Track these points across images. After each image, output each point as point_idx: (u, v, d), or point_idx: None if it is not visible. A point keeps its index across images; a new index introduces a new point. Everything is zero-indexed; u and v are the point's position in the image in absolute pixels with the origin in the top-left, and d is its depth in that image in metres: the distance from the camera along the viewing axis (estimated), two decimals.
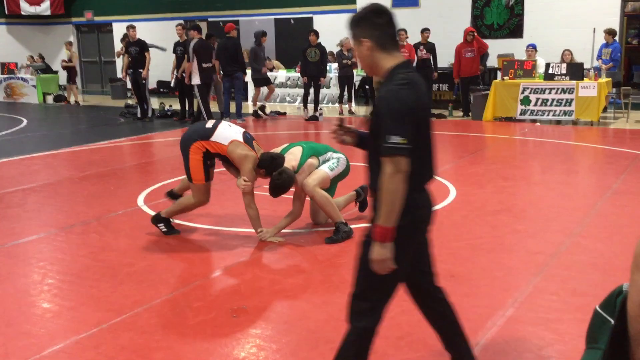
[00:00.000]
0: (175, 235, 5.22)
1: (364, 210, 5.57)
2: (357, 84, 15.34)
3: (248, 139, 4.99)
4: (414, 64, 13.07)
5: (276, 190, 4.91)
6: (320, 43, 12.93)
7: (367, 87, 14.84)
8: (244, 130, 5.12)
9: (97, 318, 3.63)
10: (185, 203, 5.22)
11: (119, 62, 18.20)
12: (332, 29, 16.21)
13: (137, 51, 12.98)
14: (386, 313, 2.61)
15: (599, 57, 12.35)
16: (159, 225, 5.26)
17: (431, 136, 2.58)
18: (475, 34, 12.56)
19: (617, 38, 12.37)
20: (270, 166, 4.89)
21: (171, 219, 5.30)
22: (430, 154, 2.59)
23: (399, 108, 2.31)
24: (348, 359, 2.60)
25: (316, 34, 12.96)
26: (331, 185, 5.25)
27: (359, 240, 2.58)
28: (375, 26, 2.45)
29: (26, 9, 21.41)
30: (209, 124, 5.06)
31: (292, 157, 5.06)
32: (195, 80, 11.96)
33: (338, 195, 5.42)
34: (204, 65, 11.92)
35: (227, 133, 4.94)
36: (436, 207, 5.77)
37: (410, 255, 2.56)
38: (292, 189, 5.03)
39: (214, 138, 4.90)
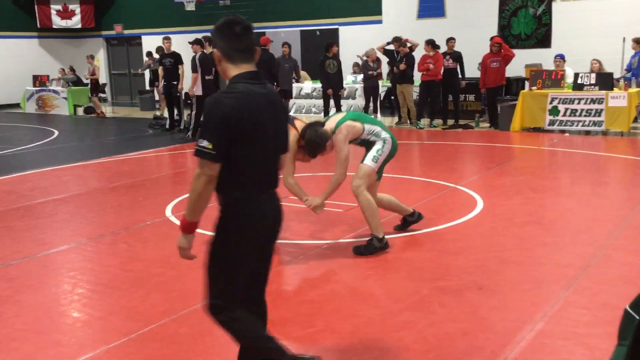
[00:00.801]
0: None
1: (402, 229, 5.48)
2: (382, 94, 15.33)
3: (290, 121, 5.02)
4: (441, 73, 13.02)
5: (310, 145, 4.68)
6: (337, 54, 12.93)
7: (392, 97, 14.82)
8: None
9: (126, 328, 3.68)
10: None
11: (147, 75, 18.47)
12: (357, 41, 16.26)
13: (172, 63, 13.06)
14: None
15: (629, 67, 12.16)
16: None
17: (271, 146, 2.61)
18: (502, 44, 12.45)
19: None
20: (315, 142, 4.72)
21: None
22: (266, 164, 2.61)
23: (212, 116, 2.44)
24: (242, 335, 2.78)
25: (337, 45, 12.99)
26: (379, 169, 5.07)
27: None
28: (222, 37, 2.55)
29: (57, 22, 21.86)
30: None
31: (331, 121, 4.92)
32: (198, 91, 12.13)
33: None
34: (206, 77, 12.12)
35: None
36: (463, 219, 5.78)
37: (244, 260, 2.71)
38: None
39: None
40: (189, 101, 12.80)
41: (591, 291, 4.06)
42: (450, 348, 3.31)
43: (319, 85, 15.70)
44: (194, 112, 12.33)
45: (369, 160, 4.95)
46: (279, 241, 5.21)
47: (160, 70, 13.40)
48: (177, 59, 13.15)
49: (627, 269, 4.46)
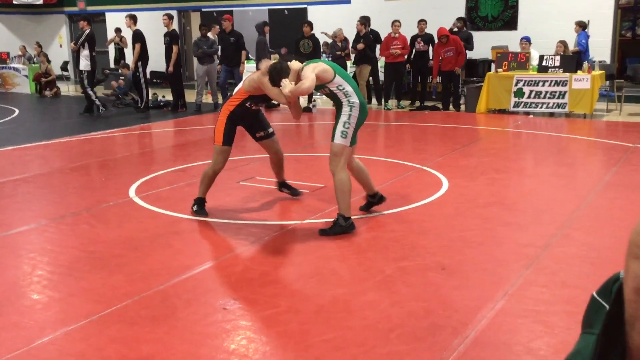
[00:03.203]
0: (203, 216, 5.42)
1: (365, 210, 5.47)
2: (351, 74, 15.29)
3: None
4: (411, 57, 13.04)
5: (271, 74, 4.88)
6: (313, 34, 12.84)
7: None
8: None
9: (86, 310, 3.62)
10: (204, 173, 5.48)
11: (112, 52, 18.09)
12: (326, 20, 16.15)
13: (169, 42, 12.78)
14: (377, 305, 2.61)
15: (584, 47, 12.46)
16: (193, 206, 5.51)
17: None
18: (449, 35, 12.40)
19: (608, 31, 12.47)
20: (277, 70, 4.90)
21: (205, 199, 5.53)
22: None
23: None
24: None
25: (310, 25, 12.87)
26: (352, 137, 4.99)
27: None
28: None
29: None
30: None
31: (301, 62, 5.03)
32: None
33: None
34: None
35: (241, 84, 5.39)
36: (428, 199, 5.83)
37: None
38: None
39: (235, 92, 5.36)
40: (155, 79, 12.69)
41: (551, 270, 4.14)
42: (413, 327, 3.34)
43: None
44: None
45: (338, 138, 4.91)
46: (243, 222, 5.21)
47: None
48: (172, 37, 12.82)
49: (586, 248, 4.55)
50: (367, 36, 12.83)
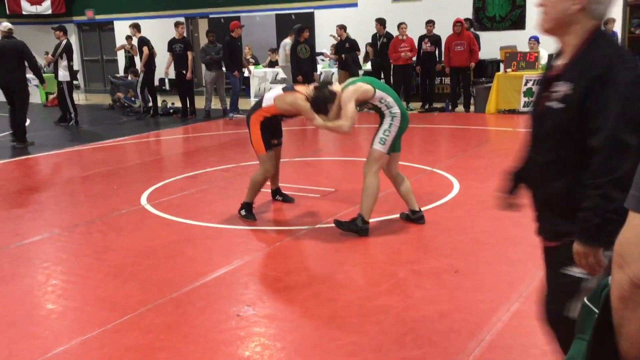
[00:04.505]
0: (251, 221, 5.44)
1: (403, 218, 5.36)
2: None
3: (289, 88, 5.36)
4: (420, 57, 13.04)
5: (316, 100, 4.91)
6: (308, 39, 12.83)
7: None
8: (283, 86, 5.57)
9: (101, 318, 3.63)
10: (254, 179, 5.48)
11: (121, 59, 18.18)
12: (333, 24, 16.14)
13: (182, 49, 12.79)
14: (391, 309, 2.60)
15: None
16: (240, 210, 5.52)
17: None
18: (464, 26, 12.37)
19: (617, 28, 12.37)
20: (321, 98, 4.95)
21: (252, 204, 5.56)
22: None
23: None
24: None
25: (308, 30, 12.92)
26: (394, 144, 5.04)
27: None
28: None
29: (27, 8, 21.40)
30: (260, 97, 5.50)
31: (343, 85, 5.07)
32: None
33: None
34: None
35: (271, 94, 5.35)
36: (440, 202, 5.80)
37: None
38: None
39: (264, 104, 5.32)
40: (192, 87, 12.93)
41: None
42: (427, 330, 3.33)
43: None
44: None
45: (377, 144, 4.97)
46: (254, 228, 5.21)
47: (169, 57, 13.08)
48: (187, 44, 12.90)
49: None
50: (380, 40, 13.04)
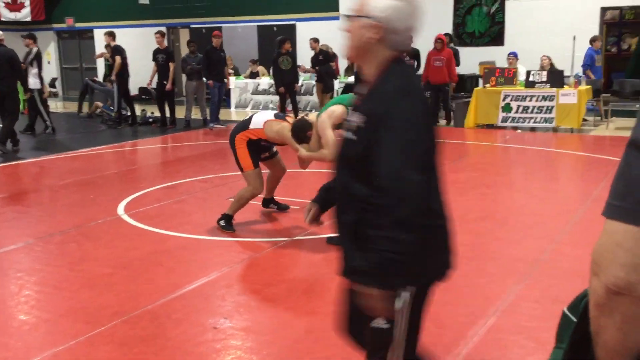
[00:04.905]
0: (230, 232, 5.39)
1: None
2: (339, 91, 15.36)
3: (280, 116, 5.41)
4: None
5: (295, 131, 5.09)
6: (290, 50, 12.87)
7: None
8: (274, 112, 5.60)
9: (75, 330, 3.57)
10: (241, 195, 5.44)
11: (101, 67, 18.04)
12: (315, 36, 16.23)
13: (164, 59, 12.74)
14: None
15: (591, 62, 12.46)
16: (219, 221, 5.46)
17: None
18: (445, 43, 12.47)
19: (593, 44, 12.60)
20: (298, 127, 5.14)
21: (233, 217, 5.50)
22: None
23: None
24: None
25: (290, 42, 12.96)
26: None
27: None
28: None
29: (6, 15, 21.16)
30: (247, 117, 5.53)
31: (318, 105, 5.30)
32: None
33: None
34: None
35: (261, 118, 5.37)
36: None
37: None
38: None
39: (252, 126, 5.33)
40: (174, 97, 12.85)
41: (542, 285, 4.13)
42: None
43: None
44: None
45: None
46: (234, 239, 5.18)
47: (154, 67, 12.93)
48: (169, 55, 12.83)
49: (577, 263, 4.56)
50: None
